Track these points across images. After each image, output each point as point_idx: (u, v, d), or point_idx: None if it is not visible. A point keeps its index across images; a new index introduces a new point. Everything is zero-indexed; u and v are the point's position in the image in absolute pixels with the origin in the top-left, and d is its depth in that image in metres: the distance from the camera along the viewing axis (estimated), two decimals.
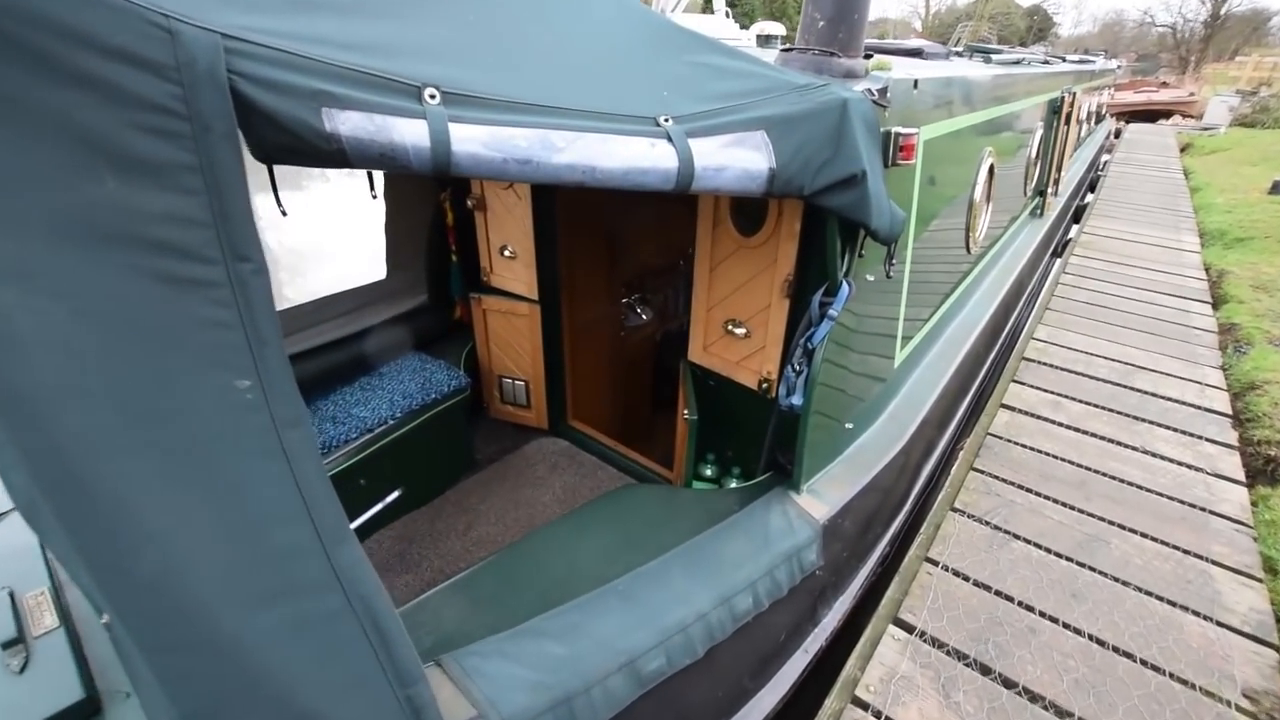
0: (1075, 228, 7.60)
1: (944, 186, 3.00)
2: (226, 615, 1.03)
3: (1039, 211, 6.07)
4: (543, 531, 2.17)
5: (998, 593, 2.29)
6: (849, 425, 2.41)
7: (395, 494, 2.92)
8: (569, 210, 3.09)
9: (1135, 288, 5.27)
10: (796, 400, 2.07)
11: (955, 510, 2.68)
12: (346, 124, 1.09)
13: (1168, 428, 3.35)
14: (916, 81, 2.19)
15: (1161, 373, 3.91)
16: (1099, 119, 11.90)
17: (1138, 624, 2.18)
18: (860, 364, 2.41)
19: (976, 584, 2.33)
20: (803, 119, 1.58)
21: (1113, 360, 4.04)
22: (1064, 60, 7.58)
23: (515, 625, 1.68)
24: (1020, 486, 2.86)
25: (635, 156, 1.39)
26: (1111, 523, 2.66)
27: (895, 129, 1.97)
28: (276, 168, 1.10)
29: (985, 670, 2.01)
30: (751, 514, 2.08)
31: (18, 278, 0.79)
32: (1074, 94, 6.02)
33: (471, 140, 1.20)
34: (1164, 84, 23.72)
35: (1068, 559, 2.46)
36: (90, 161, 0.78)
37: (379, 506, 2.85)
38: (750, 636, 1.89)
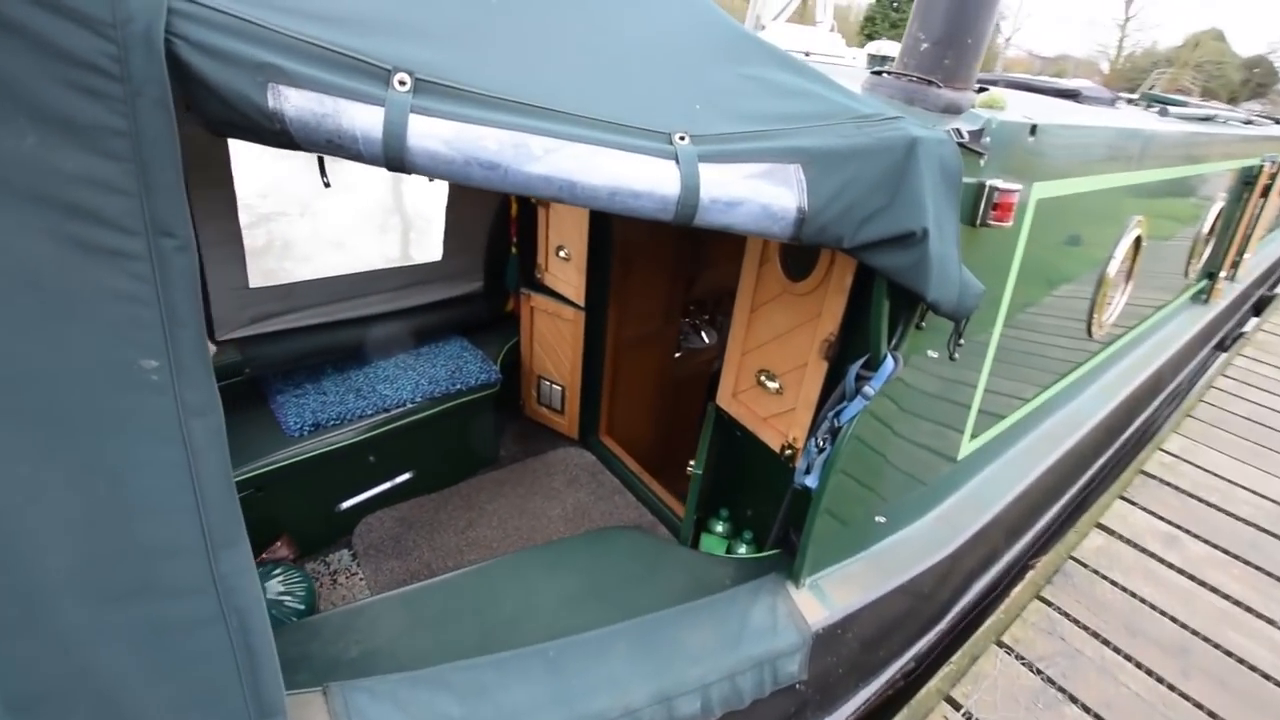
0: (1253, 321, 6.37)
1: (1064, 257, 2.51)
2: (69, 605, 0.97)
3: (1204, 297, 5.12)
4: (512, 559, 2.04)
5: None
6: (880, 519, 2.05)
7: (405, 476, 2.90)
8: (632, 219, 2.90)
9: None
10: (810, 482, 1.76)
11: (1001, 645, 2.22)
12: (293, 103, 1.01)
13: None
14: (1035, 127, 1.79)
15: None
16: None
17: None
18: (906, 452, 2.04)
19: None
20: (852, 156, 1.28)
21: (1263, 497, 3.26)
22: (1277, 123, 6.37)
23: (440, 660, 1.54)
24: (1096, 635, 2.33)
25: (628, 176, 1.18)
26: (1212, 714, 2.08)
27: (991, 181, 1.61)
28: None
29: None
30: (733, 599, 1.79)
31: None
32: (1279, 164, 5.01)
33: (431, 136, 1.07)
34: None
35: None
36: (11, 113, 0.75)
37: (386, 485, 2.84)
38: None
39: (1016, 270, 2.06)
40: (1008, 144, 1.71)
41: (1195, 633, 2.40)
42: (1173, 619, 2.45)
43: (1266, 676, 2.26)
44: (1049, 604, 2.43)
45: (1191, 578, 2.68)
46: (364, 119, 1.07)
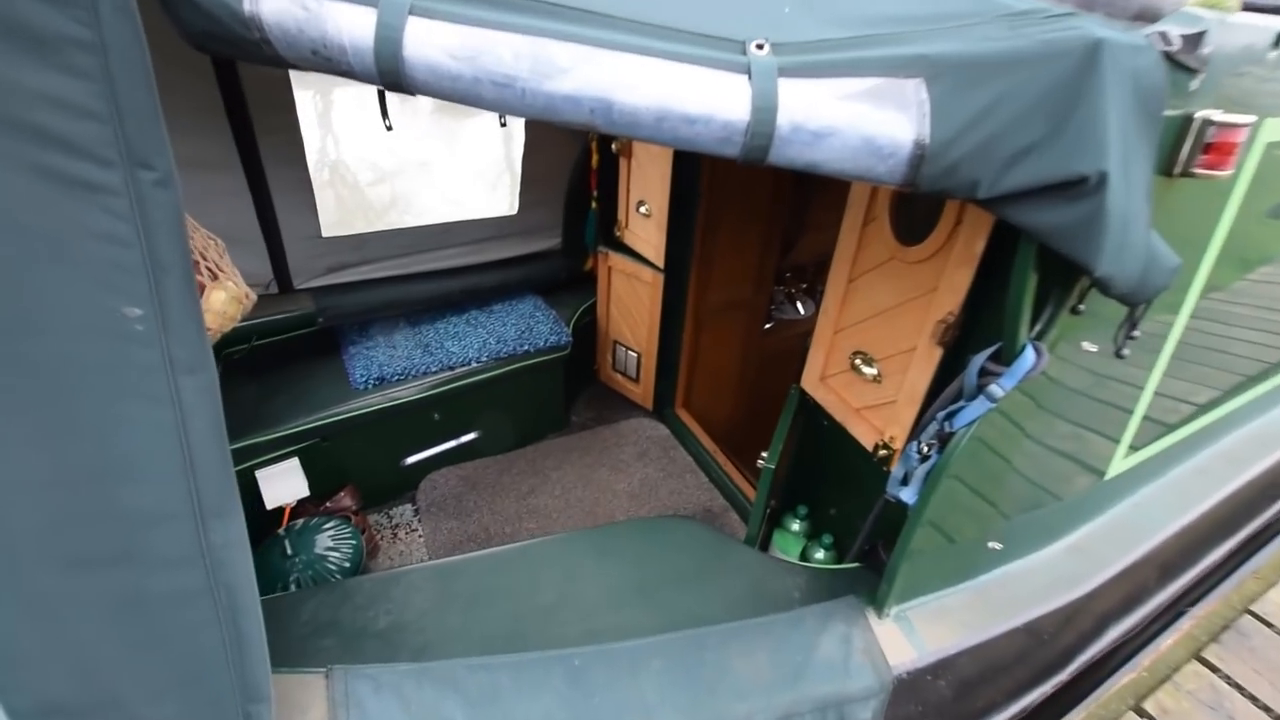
0: None
1: None
2: (38, 569, 0.90)
3: None
4: (560, 540, 1.89)
5: None
6: (995, 545, 1.66)
7: (471, 435, 2.83)
8: (722, 169, 2.57)
9: None
10: (907, 496, 1.42)
11: (1142, 715, 1.78)
12: (271, 5, 0.83)
13: None
14: None
15: None
16: None
17: None
18: (1039, 462, 1.63)
19: None
20: (1001, 66, 0.91)
21: None
22: None
23: (465, 643, 1.45)
24: (1272, 713, 1.82)
25: (680, 96, 0.91)
26: None
27: (1203, 113, 1.15)
28: None
29: None
30: (798, 622, 1.51)
31: None
32: None
33: (432, 45, 0.90)
34: None
35: None
36: None
37: (451, 443, 2.80)
38: None
39: (1222, 240, 1.54)
40: (1234, 58, 1.23)
41: None
42: None
43: None
44: (1211, 667, 1.93)
45: None
46: (353, 24, 0.89)
